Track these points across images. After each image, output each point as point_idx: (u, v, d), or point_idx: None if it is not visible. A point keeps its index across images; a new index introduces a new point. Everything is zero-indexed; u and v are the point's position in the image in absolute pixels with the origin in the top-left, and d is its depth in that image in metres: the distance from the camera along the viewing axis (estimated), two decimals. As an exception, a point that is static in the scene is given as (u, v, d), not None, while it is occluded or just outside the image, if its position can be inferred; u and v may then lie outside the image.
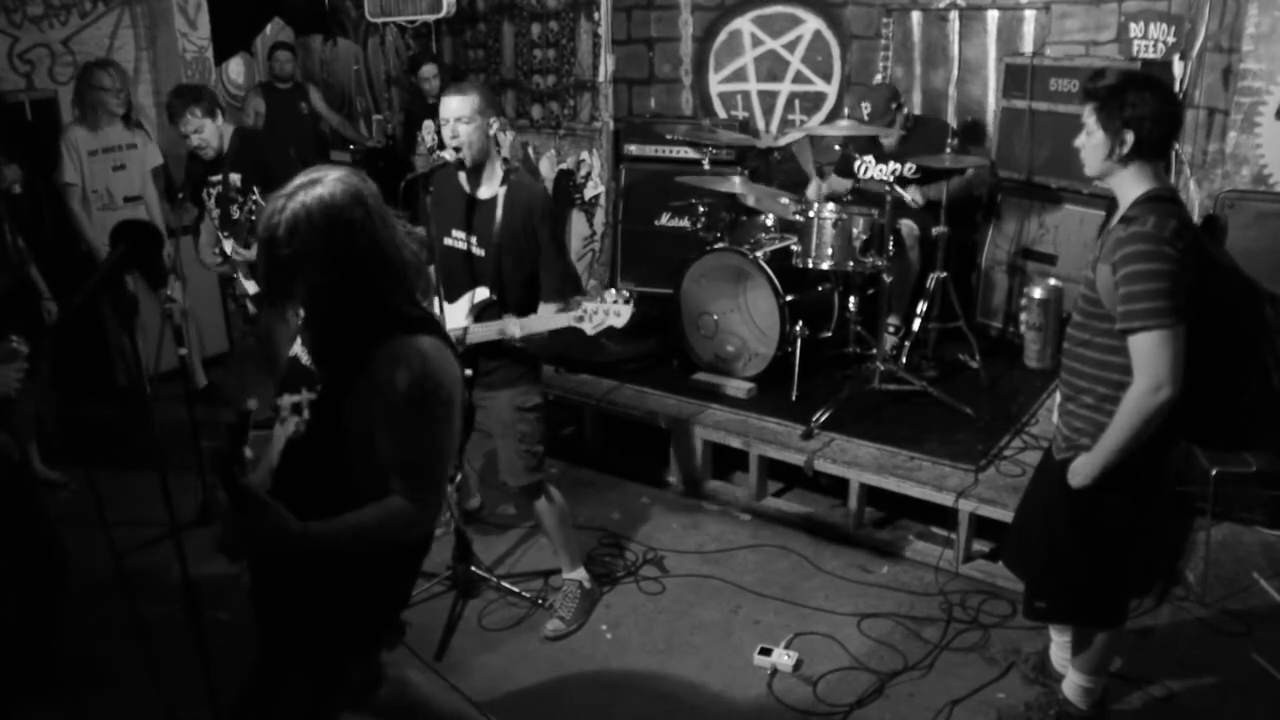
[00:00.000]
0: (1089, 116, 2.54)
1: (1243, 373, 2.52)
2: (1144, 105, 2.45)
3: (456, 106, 3.16)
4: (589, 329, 3.24)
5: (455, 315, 3.32)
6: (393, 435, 1.98)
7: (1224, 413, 2.58)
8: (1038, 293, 4.92)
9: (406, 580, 2.31)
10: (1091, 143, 2.55)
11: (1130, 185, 2.52)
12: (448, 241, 3.33)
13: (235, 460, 1.87)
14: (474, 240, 3.29)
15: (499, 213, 3.24)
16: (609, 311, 3.21)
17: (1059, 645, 3.11)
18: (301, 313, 2.05)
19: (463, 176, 3.28)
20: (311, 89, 7.15)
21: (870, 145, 5.14)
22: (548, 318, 3.26)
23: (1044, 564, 2.80)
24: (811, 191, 5.33)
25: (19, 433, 4.05)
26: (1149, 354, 2.38)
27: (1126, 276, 2.39)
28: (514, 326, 3.23)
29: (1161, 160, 2.56)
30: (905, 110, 4.99)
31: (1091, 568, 2.68)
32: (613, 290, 3.24)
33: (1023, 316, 5.13)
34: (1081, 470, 2.57)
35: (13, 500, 3.16)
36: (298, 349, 2.15)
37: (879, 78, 5.71)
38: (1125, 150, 2.47)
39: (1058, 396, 2.81)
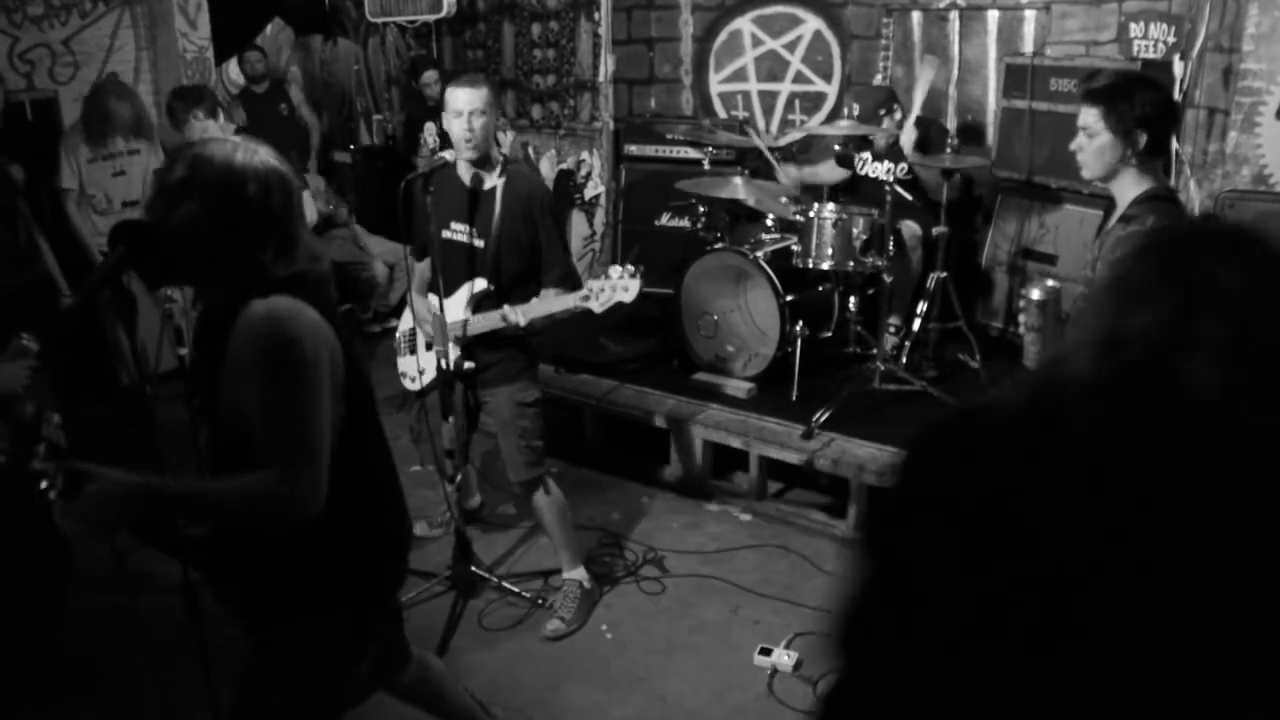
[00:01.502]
0: (1096, 121, 2.53)
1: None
2: (1152, 105, 2.45)
3: (471, 99, 3.14)
4: (597, 307, 3.16)
5: (454, 307, 3.31)
6: (254, 408, 1.83)
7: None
8: (1035, 294, 4.87)
9: (383, 561, 2.20)
10: (1095, 145, 2.54)
11: (1131, 185, 2.52)
12: (446, 234, 3.31)
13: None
14: (474, 232, 3.29)
15: (498, 204, 3.23)
16: (616, 287, 3.14)
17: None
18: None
19: (461, 169, 3.28)
20: (292, 87, 6.94)
21: (867, 142, 5.13)
22: (550, 301, 3.23)
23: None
24: (783, 177, 5.26)
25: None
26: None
27: (1126, 276, 2.38)
28: (516, 314, 3.20)
29: (1161, 159, 2.56)
30: (899, 116, 4.94)
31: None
32: (618, 266, 3.17)
33: (1020, 318, 5.11)
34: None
35: (14, 498, 3.16)
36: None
37: (879, 78, 5.70)
38: (1139, 150, 2.47)
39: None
